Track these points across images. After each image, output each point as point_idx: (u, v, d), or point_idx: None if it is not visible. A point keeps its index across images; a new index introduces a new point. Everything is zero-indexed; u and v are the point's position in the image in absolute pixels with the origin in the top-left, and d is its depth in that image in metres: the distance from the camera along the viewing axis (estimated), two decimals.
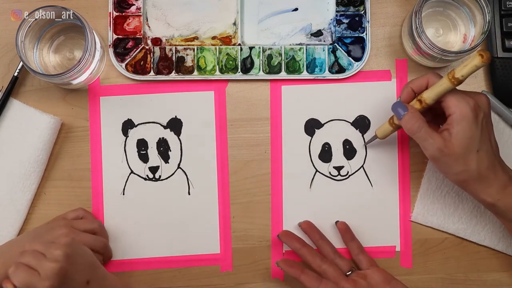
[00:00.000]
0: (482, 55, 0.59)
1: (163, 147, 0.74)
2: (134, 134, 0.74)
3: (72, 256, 0.61)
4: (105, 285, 0.65)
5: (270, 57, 0.74)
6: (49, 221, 0.72)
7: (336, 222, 0.73)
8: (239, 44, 0.74)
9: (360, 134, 0.74)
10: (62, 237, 0.67)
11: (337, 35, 0.74)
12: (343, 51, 0.74)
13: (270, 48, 0.74)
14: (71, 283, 0.60)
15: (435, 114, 0.67)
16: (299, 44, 0.74)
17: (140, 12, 0.74)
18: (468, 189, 0.65)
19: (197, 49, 0.74)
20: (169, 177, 0.74)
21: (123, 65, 0.74)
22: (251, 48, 0.74)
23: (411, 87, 0.66)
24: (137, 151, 0.74)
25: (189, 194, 0.74)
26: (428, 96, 0.63)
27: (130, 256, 0.73)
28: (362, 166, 0.74)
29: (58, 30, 0.72)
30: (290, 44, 0.74)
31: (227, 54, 0.74)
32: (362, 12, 0.74)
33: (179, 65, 0.74)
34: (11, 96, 0.73)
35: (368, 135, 0.74)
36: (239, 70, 0.74)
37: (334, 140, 0.74)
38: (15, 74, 0.73)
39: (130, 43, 0.74)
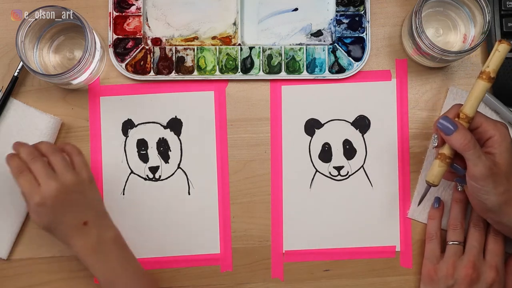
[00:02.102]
0: (500, 40, 0.63)
1: (163, 147, 0.74)
2: (134, 134, 0.74)
3: (73, 192, 0.64)
4: (103, 224, 0.67)
5: (270, 57, 0.74)
6: None
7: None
8: (239, 44, 0.74)
9: (360, 134, 0.74)
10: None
11: (337, 35, 0.74)
12: (343, 51, 0.74)
13: (270, 48, 0.74)
14: (65, 216, 0.64)
15: None
16: (299, 44, 0.74)
17: (140, 12, 0.74)
18: (506, 211, 0.63)
19: (197, 49, 0.74)
20: (169, 177, 0.74)
21: (123, 65, 0.73)
22: (251, 48, 0.74)
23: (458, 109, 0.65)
24: (137, 151, 0.74)
25: (189, 194, 0.74)
26: (467, 106, 0.64)
27: None
28: (362, 166, 0.74)
29: (58, 30, 0.72)
30: (290, 44, 0.74)
31: (227, 54, 0.74)
32: (362, 12, 0.74)
33: (179, 65, 0.74)
34: (11, 96, 0.73)
35: (368, 135, 0.74)
36: (239, 70, 0.74)
37: (334, 140, 0.74)
38: (15, 74, 0.73)
39: (130, 43, 0.74)
